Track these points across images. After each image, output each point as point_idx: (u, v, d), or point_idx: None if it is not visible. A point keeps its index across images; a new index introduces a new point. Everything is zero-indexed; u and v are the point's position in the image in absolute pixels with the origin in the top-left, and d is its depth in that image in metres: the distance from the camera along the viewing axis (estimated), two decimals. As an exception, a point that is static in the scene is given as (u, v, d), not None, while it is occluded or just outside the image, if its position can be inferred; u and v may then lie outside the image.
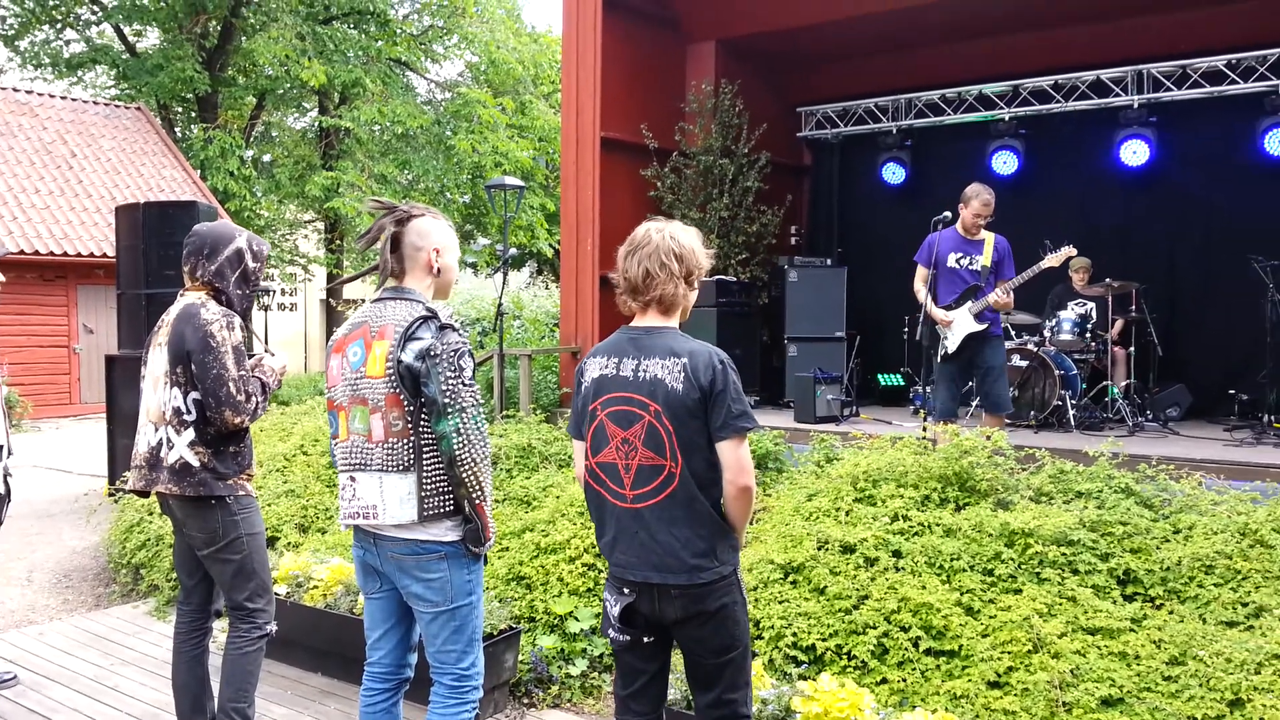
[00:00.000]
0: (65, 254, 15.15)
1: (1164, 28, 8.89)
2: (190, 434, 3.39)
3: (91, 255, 15.39)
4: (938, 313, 6.32)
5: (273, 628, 3.57)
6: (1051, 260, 6.18)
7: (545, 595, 4.73)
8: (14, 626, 5.40)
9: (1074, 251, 6.25)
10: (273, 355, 3.69)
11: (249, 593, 3.50)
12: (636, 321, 2.80)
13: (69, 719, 4.16)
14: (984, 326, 6.23)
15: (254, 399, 3.43)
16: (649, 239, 2.74)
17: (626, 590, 2.73)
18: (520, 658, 4.34)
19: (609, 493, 2.73)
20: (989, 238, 6.35)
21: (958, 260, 6.34)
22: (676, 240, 2.74)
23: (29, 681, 4.57)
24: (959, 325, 6.28)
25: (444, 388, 2.74)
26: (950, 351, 6.35)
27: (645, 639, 2.77)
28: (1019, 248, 6.54)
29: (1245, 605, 3.95)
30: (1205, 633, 3.76)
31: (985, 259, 6.29)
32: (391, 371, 2.79)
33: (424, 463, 2.80)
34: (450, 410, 2.75)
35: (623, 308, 2.83)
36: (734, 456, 2.64)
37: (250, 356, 3.52)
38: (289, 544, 5.84)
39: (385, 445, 2.82)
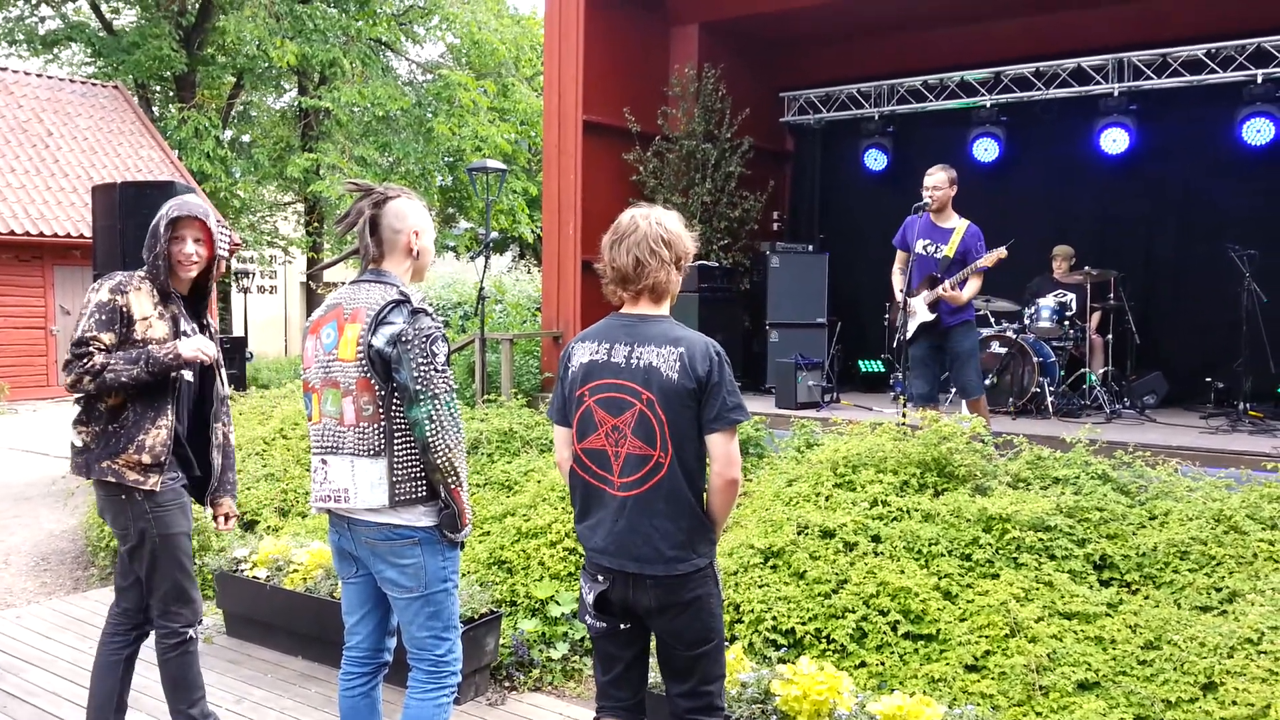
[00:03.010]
0: (41, 234, 14.92)
1: (1145, 16, 8.93)
2: (77, 409, 3.32)
3: (68, 236, 15.18)
4: (899, 298, 6.32)
5: (193, 633, 3.39)
6: (984, 261, 6.13)
7: (526, 579, 4.74)
8: (-10, 610, 5.37)
9: (1004, 253, 6.15)
10: (189, 336, 3.29)
11: (161, 595, 3.32)
12: (627, 309, 2.76)
13: (47, 702, 4.14)
14: (934, 316, 6.16)
15: (86, 360, 3.14)
16: (635, 226, 2.71)
17: (601, 578, 2.72)
18: (501, 641, 4.35)
19: (596, 479, 2.71)
20: (960, 227, 6.20)
21: (924, 247, 6.29)
22: (664, 226, 2.71)
23: (6, 665, 4.54)
24: (916, 313, 6.28)
25: (416, 374, 2.72)
26: (906, 338, 6.34)
27: (621, 626, 2.77)
28: (998, 234, 6.47)
29: (1219, 590, 4.00)
30: (1180, 617, 3.81)
31: (949, 249, 6.18)
32: (362, 355, 2.76)
33: (395, 448, 2.78)
34: (422, 396, 2.72)
35: (611, 297, 2.79)
36: (724, 449, 2.64)
37: (193, 334, 3.29)
38: (268, 528, 5.82)
39: (356, 429, 2.80)
